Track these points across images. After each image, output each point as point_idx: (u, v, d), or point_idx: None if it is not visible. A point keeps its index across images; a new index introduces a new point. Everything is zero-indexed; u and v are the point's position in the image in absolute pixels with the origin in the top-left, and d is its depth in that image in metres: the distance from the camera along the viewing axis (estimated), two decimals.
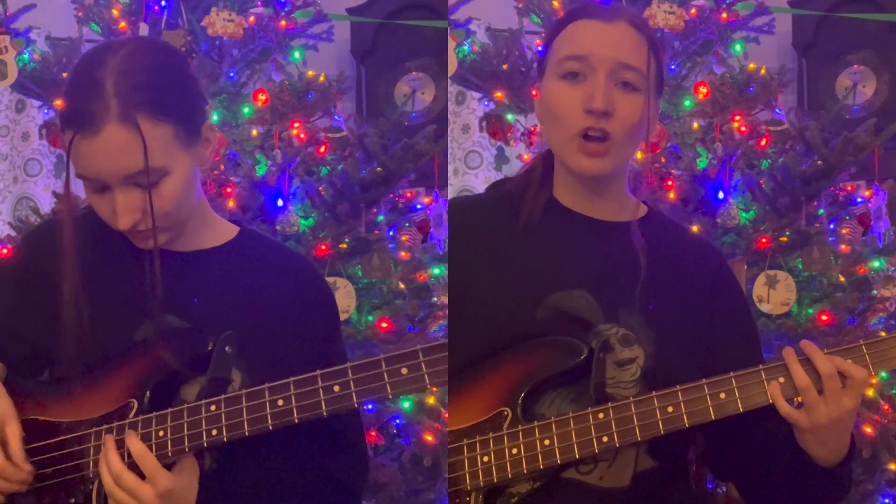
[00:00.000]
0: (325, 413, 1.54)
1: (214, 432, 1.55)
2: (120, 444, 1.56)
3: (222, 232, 1.76)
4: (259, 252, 1.77)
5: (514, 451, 1.60)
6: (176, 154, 1.59)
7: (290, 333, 1.70)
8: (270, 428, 1.55)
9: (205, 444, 1.56)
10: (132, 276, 1.66)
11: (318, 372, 1.55)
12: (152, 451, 1.55)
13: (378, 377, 1.54)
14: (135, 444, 1.54)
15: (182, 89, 1.63)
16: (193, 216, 1.70)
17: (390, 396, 1.55)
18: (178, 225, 1.66)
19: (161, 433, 1.56)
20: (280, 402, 1.55)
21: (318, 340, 1.73)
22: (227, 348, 1.61)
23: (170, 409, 1.57)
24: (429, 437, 2.76)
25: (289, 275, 1.76)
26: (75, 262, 1.64)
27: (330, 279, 2.84)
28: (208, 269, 1.71)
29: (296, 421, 1.55)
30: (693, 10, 2.93)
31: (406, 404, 2.80)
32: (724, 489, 2.29)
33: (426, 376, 1.53)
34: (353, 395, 1.54)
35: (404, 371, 1.53)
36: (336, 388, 1.54)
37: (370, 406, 2.80)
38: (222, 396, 1.57)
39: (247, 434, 1.55)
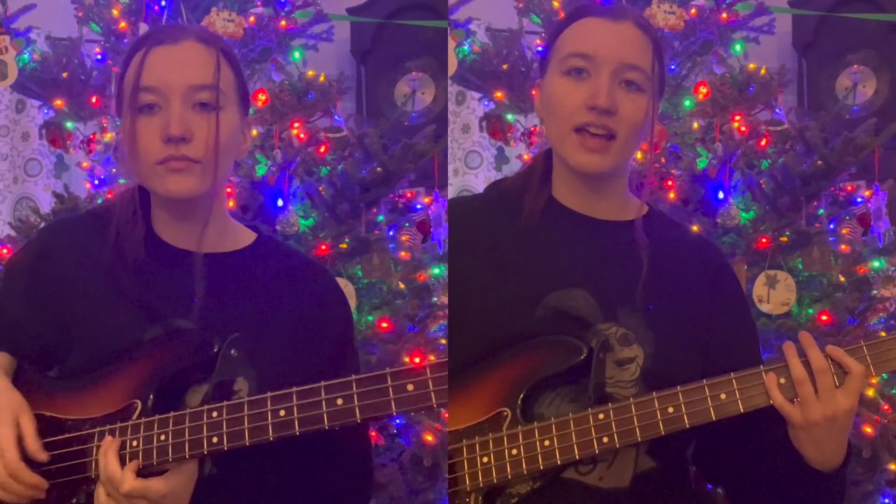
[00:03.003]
0: (326, 427, 1.52)
1: (215, 440, 1.54)
2: (122, 446, 1.56)
3: (240, 237, 1.76)
4: (276, 259, 1.76)
5: (514, 451, 1.60)
6: (232, 100, 1.66)
7: (303, 343, 1.68)
8: (271, 439, 1.53)
9: (206, 452, 1.55)
10: (144, 276, 1.66)
11: (322, 383, 1.53)
12: (153, 456, 1.54)
13: (383, 392, 1.51)
14: (129, 484, 1.52)
15: (241, 71, 1.75)
16: (215, 216, 1.69)
17: (394, 413, 1.51)
18: (209, 179, 1.63)
19: (163, 437, 1.55)
20: (282, 413, 1.53)
21: (331, 350, 1.71)
22: (232, 351, 1.60)
23: (172, 414, 1.56)
24: (429, 437, 2.76)
25: (305, 283, 1.74)
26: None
27: None
28: (224, 274, 1.70)
29: (297, 433, 1.53)
30: (693, 10, 2.93)
31: None
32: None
33: (433, 394, 1.50)
34: (357, 409, 1.51)
35: (410, 387, 1.50)
36: (339, 402, 1.51)
37: None
38: (224, 403, 1.55)
39: (248, 444, 1.54)
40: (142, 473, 1.54)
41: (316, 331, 1.70)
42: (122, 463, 1.54)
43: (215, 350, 1.60)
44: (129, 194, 1.74)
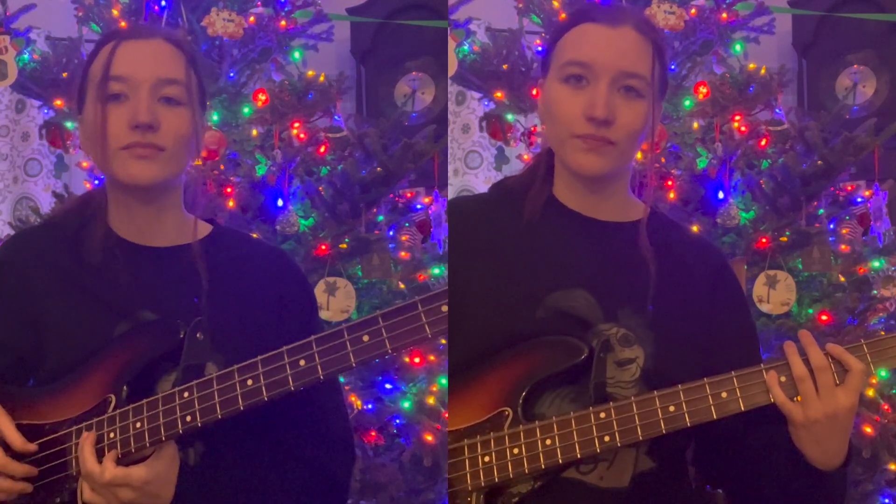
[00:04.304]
0: (292, 388, 1.54)
1: (189, 418, 1.56)
2: (100, 439, 1.58)
3: (197, 229, 1.78)
4: (234, 246, 1.79)
5: (516, 450, 1.60)
6: (194, 102, 1.70)
7: (268, 324, 1.72)
8: (242, 408, 1.55)
9: (180, 432, 1.56)
10: (108, 275, 1.68)
11: (284, 348, 1.56)
12: (131, 444, 1.56)
13: (340, 347, 1.54)
14: (109, 473, 1.53)
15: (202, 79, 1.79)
16: (171, 211, 1.73)
17: (353, 365, 1.54)
18: (172, 167, 1.68)
19: (138, 424, 1.57)
20: (249, 382, 1.55)
21: (296, 330, 1.72)
22: (198, 335, 1.62)
23: (145, 401, 1.58)
24: (429, 437, 2.76)
25: (264, 267, 1.78)
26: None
27: (330, 279, 2.84)
28: (185, 265, 1.72)
29: (265, 399, 1.55)
30: (693, 10, 2.93)
31: (406, 404, 2.80)
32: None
33: (386, 341, 1.52)
34: (319, 367, 1.54)
35: (365, 339, 1.53)
36: (302, 362, 1.54)
37: (370, 406, 2.80)
38: (194, 382, 1.57)
39: (220, 416, 1.56)
40: (124, 463, 1.55)
41: (279, 312, 1.74)
42: (102, 455, 1.56)
43: (181, 336, 1.62)
44: (86, 196, 1.80)
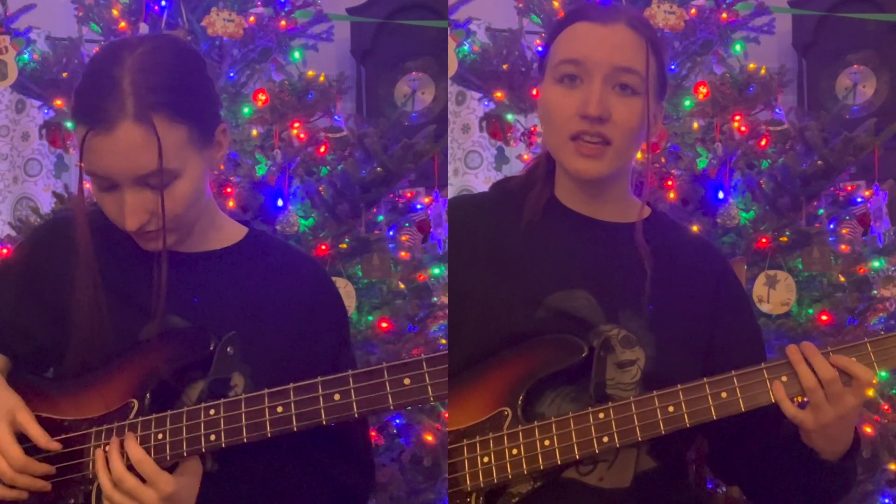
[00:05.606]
0: (324, 422, 1.52)
1: (213, 437, 1.54)
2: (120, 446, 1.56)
3: (231, 233, 1.76)
4: (268, 254, 1.76)
5: (515, 451, 1.60)
6: (189, 157, 1.58)
7: (298, 337, 1.69)
8: (269, 435, 1.54)
9: (203, 450, 1.55)
10: (137, 275, 1.66)
11: (319, 379, 1.53)
12: (151, 454, 1.54)
13: (380, 387, 1.51)
14: (134, 449, 1.53)
15: (199, 92, 1.63)
16: (202, 217, 1.69)
17: (392, 408, 1.52)
18: (186, 227, 1.65)
19: (160, 436, 1.55)
20: (279, 409, 1.53)
21: (326, 345, 1.72)
22: (228, 349, 1.60)
23: (169, 412, 1.57)
24: (429, 437, 2.75)
25: (297, 278, 1.75)
26: (91, 257, 1.63)
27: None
28: (215, 271, 1.70)
29: (294, 429, 1.53)
30: (693, 10, 2.93)
31: None
32: (724, 489, 2.30)
33: (429, 387, 1.50)
34: (354, 404, 1.51)
35: (406, 381, 1.51)
36: (336, 397, 1.52)
37: None
38: (221, 401, 1.56)
39: (245, 441, 1.54)
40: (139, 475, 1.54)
41: (310, 326, 1.71)
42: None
43: (211, 348, 1.60)
44: None
